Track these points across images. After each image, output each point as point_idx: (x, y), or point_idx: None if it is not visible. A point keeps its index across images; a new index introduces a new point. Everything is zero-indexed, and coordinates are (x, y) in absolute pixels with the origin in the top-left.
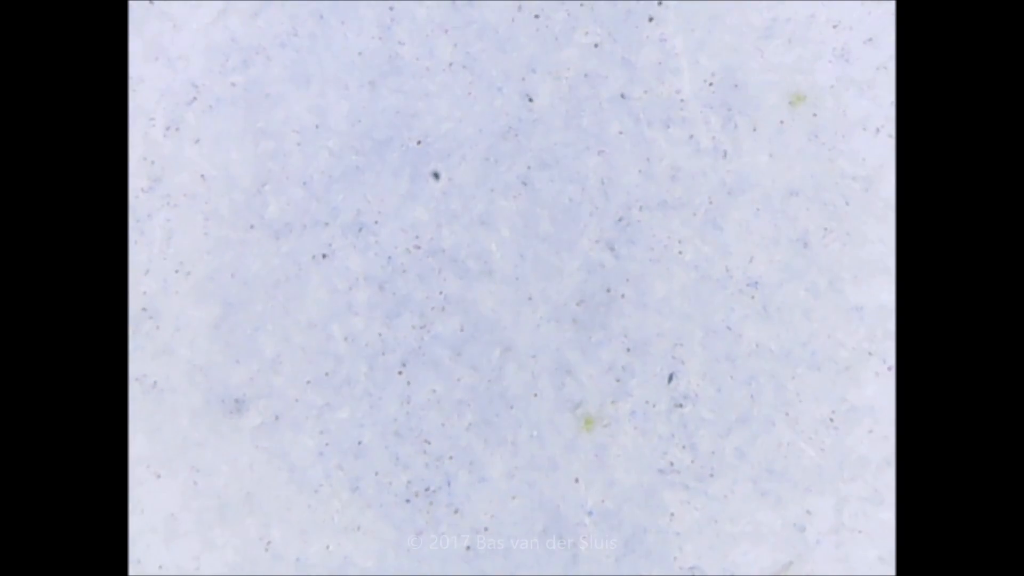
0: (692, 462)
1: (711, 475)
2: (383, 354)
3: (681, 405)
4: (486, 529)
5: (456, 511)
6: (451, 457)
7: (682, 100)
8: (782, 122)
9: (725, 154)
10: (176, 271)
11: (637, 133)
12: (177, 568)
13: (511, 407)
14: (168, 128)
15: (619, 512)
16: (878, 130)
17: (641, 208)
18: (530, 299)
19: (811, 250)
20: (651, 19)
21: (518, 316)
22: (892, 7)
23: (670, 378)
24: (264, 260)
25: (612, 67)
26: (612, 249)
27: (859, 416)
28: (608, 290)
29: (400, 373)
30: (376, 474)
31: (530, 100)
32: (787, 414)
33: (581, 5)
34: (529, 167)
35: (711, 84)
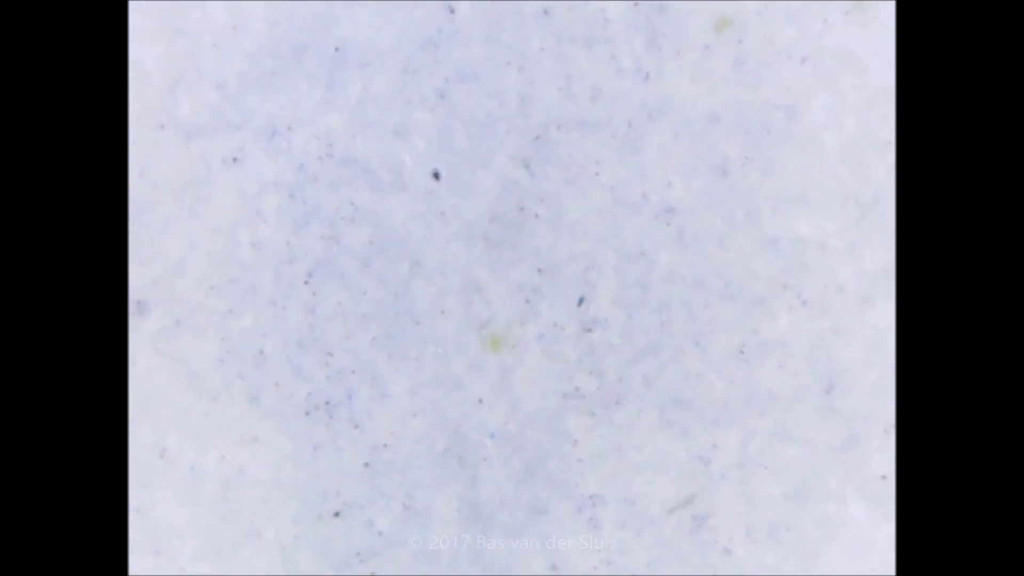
0: (598, 388)
1: (617, 402)
2: (290, 263)
3: (590, 330)
4: (385, 446)
5: (356, 426)
6: (353, 371)
7: (606, 19)
8: (707, 47)
9: (647, 76)
10: None
11: (558, 51)
12: None
13: (417, 323)
14: None
15: (521, 436)
16: (803, 59)
17: (559, 127)
18: (442, 214)
19: (730, 178)
20: None
21: (429, 231)
22: None
23: (580, 301)
24: (173, 161)
25: None
26: (528, 167)
27: (770, 349)
28: (522, 209)
29: (306, 283)
30: (276, 385)
31: (452, 12)
32: (697, 344)
33: None
34: (447, 80)
35: (636, 3)
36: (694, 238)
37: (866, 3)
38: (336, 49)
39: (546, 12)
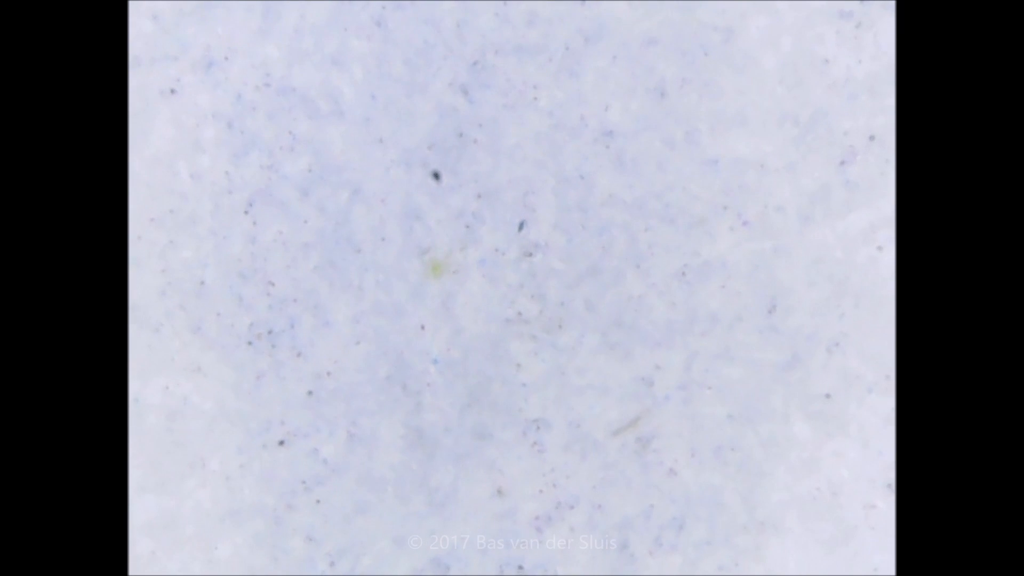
0: (540, 312)
1: (559, 326)
2: (229, 193)
3: (531, 254)
4: (329, 374)
5: (299, 355)
6: (295, 300)
7: None
8: None
9: None
10: None
11: None
12: None
13: (358, 251)
14: None
15: (465, 361)
16: None
17: (496, 52)
18: (381, 141)
19: (668, 100)
20: None
21: (368, 158)
22: None
23: (521, 226)
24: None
25: None
26: (466, 93)
27: (712, 271)
28: (460, 135)
29: (246, 213)
30: (218, 315)
31: None
32: (639, 266)
33: None
34: (384, 7)
35: None
36: (633, 161)
37: None
38: None
39: None
